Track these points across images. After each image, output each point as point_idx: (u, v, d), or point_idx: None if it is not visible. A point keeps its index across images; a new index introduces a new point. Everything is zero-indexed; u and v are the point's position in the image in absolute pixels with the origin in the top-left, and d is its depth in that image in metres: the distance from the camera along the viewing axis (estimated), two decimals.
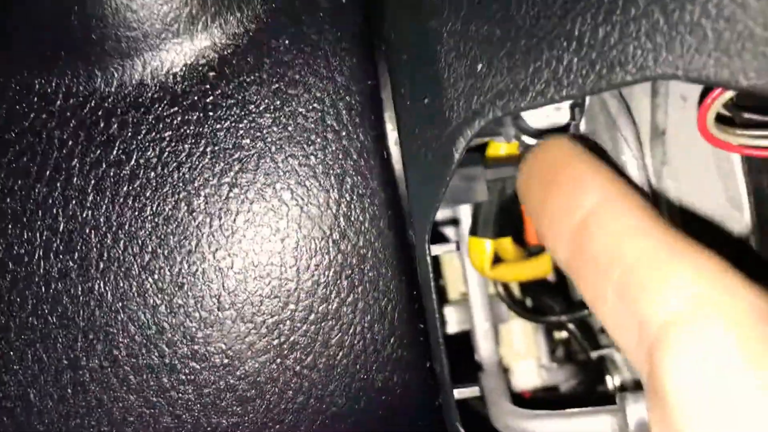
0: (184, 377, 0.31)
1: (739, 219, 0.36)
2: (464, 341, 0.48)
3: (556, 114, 0.37)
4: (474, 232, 0.44)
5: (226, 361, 0.31)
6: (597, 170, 0.27)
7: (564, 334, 0.50)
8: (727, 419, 0.20)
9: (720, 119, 0.31)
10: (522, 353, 0.53)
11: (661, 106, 0.37)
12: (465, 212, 0.46)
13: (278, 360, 0.31)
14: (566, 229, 0.26)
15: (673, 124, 0.37)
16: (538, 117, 0.37)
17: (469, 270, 0.47)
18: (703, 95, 0.31)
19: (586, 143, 0.31)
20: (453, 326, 0.48)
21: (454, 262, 0.52)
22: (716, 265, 0.22)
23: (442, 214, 0.49)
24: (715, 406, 0.20)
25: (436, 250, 0.33)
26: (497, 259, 0.43)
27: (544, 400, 0.45)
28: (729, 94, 0.30)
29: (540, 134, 0.37)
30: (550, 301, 0.48)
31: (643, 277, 0.23)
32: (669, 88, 0.36)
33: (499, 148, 0.41)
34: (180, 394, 0.31)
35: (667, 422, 0.21)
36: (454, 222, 0.48)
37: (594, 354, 0.46)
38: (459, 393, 0.33)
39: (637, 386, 0.42)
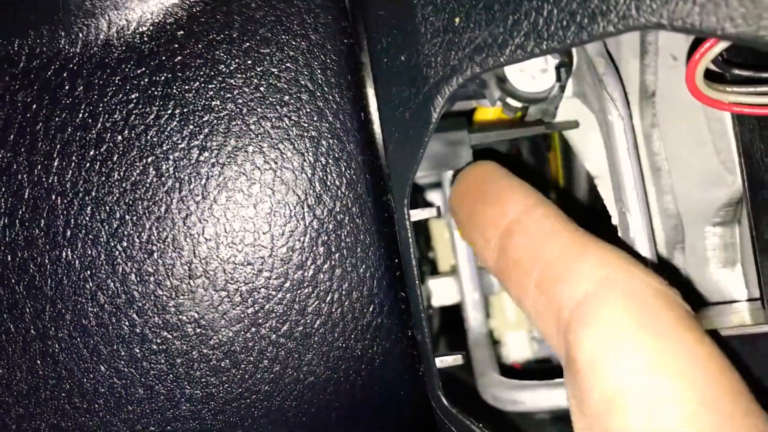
0: (155, 347, 0.30)
1: (731, 182, 0.35)
2: (456, 314, 0.47)
3: (543, 76, 0.36)
4: None
5: (198, 330, 0.30)
6: (519, 186, 0.31)
7: None
8: (622, 379, 0.23)
9: (710, 77, 0.30)
10: (513, 325, 0.52)
11: (650, 67, 0.36)
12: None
13: (253, 329, 0.30)
14: (493, 236, 0.29)
15: (664, 85, 0.36)
16: (524, 80, 0.36)
17: (457, 241, 0.46)
18: (693, 51, 0.30)
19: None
20: (443, 299, 0.47)
21: (444, 235, 0.51)
22: (618, 256, 0.26)
23: (429, 179, 0.48)
24: (613, 369, 0.23)
25: (415, 215, 0.32)
26: None
27: (536, 372, 0.44)
28: (718, 48, 0.28)
29: (526, 98, 0.36)
30: None
31: (558, 270, 0.26)
32: (658, 47, 0.35)
33: (488, 113, 0.40)
34: (152, 365, 0.30)
35: (578, 390, 0.25)
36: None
37: None
38: (441, 362, 0.32)
39: None
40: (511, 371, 0.45)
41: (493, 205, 0.30)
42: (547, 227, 0.28)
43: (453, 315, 0.47)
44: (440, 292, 0.47)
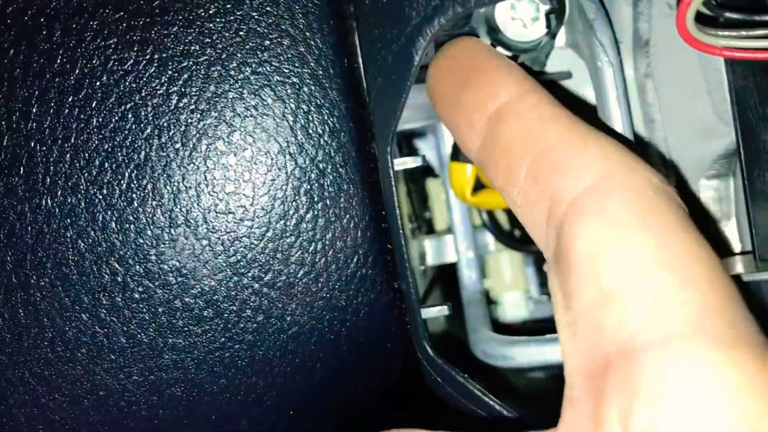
0: (137, 296, 0.30)
1: (727, 134, 0.34)
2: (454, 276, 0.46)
3: (534, 25, 0.35)
4: (455, 157, 0.42)
5: (180, 279, 0.30)
6: (511, 67, 0.29)
7: None
8: (623, 274, 0.23)
9: (703, 21, 0.29)
10: (509, 285, 0.52)
11: (644, 14, 0.35)
12: (447, 136, 0.44)
13: (235, 278, 0.30)
14: (479, 120, 0.28)
15: (658, 34, 0.35)
16: (515, 30, 0.35)
17: (452, 199, 0.45)
18: None
19: None
20: (438, 257, 0.47)
21: (441, 195, 0.50)
22: (619, 150, 0.25)
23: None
24: (614, 263, 0.23)
25: (399, 163, 0.31)
26: (480, 186, 0.41)
27: (532, 332, 0.43)
28: None
29: (517, 47, 0.35)
30: None
31: (556, 159, 0.25)
32: None
33: None
34: (134, 314, 0.30)
35: (566, 284, 0.24)
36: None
37: None
38: (426, 312, 0.32)
39: None
40: (506, 330, 0.45)
41: (482, 86, 0.28)
42: (544, 113, 0.27)
43: (452, 277, 0.47)
44: (435, 251, 0.47)
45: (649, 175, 0.25)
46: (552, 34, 0.34)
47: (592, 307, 0.23)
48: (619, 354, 0.22)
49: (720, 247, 0.36)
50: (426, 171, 0.52)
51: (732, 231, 0.37)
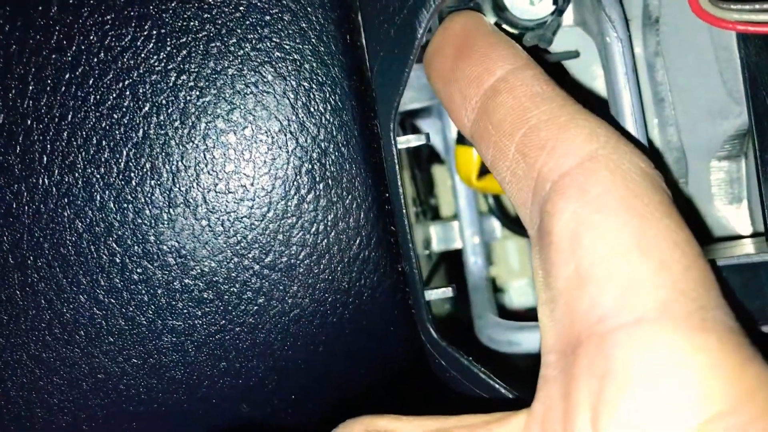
0: (136, 277, 0.30)
1: (738, 113, 0.34)
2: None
3: (541, 2, 0.34)
4: (461, 140, 0.41)
5: (179, 260, 0.30)
6: (507, 43, 0.29)
7: None
8: (600, 256, 0.23)
9: None
10: (516, 273, 0.51)
11: None
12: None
13: (235, 259, 0.30)
14: (474, 94, 0.28)
15: (669, 12, 0.34)
16: (521, 7, 0.34)
17: (458, 184, 0.45)
18: None
19: None
20: (444, 244, 0.46)
21: (447, 181, 0.50)
22: (607, 130, 0.25)
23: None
24: (592, 245, 0.23)
25: (403, 142, 0.30)
26: (486, 170, 0.41)
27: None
28: None
29: (524, 26, 0.34)
30: None
31: (544, 137, 0.25)
32: None
33: None
34: (132, 295, 0.30)
35: (547, 263, 0.24)
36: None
37: None
38: (429, 294, 0.32)
39: None
40: (513, 317, 0.44)
41: (478, 61, 0.28)
42: (536, 89, 0.27)
43: (458, 264, 0.46)
44: (440, 237, 0.46)
45: (635, 158, 0.25)
46: (559, 11, 0.33)
47: (568, 287, 0.24)
48: (590, 335, 0.23)
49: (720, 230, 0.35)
50: (431, 157, 0.51)
51: (743, 214, 0.36)
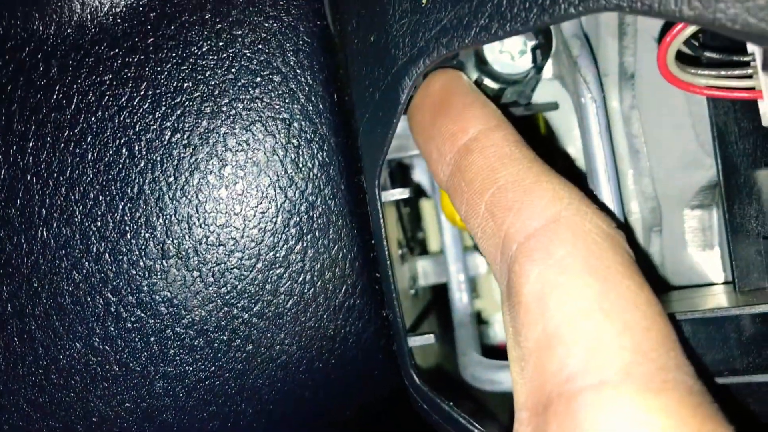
0: (129, 325, 0.31)
1: (710, 165, 0.35)
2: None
3: (521, 58, 0.36)
4: None
5: (171, 309, 0.31)
6: (482, 103, 0.30)
7: None
8: (565, 318, 0.24)
9: (685, 60, 0.30)
10: (500, 305, 0.52)
11: (629, 48, 0.36)
12: None
13: (225, 308, 0.31)
14: (449, 151, 0.29)
15: (644, 67, 0.36)
16: (502, 62, 0.36)
17: (443, 221, 0.46)
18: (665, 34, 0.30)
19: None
20: (430, 278, 0.47)
21: (434, 217, 0.51)
22: (571, 193, 0.26)
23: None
24: (557, 307, 0.24)
25: (387, 195, 0.32)
26: None
27: None
28: (689, 31, 0.28)
29: (504, 80, 0.36)
30: None
31: (511, 198, 0.27)
32: (637, 29, 0.35)
33: None
34: (126, 342, 0.31)
35: (517, 322, 0.25)
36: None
37: None
38: (413, 341, 0.33)
39: None
40: (497, 352, 0.46)
41: (454, 119, 0.30)
42: (505, 151, 0.28)
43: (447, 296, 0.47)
44: (427, 272, 0.47)
45: (596, 219, 0.26)
46: (538, 68, 0.35)
47: (537, 347, 0.24)
48: (558, 395, 0.24)
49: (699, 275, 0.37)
50: (420, 192, 0.52)
51: (715, 260, 0.37)
